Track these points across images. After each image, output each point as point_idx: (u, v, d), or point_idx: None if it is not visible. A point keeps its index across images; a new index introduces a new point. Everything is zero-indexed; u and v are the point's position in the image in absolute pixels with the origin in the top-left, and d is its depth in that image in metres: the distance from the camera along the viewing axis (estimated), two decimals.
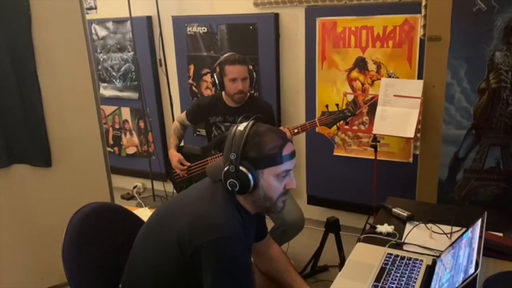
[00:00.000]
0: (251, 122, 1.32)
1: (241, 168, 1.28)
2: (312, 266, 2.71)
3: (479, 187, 2.36)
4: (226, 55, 2.60)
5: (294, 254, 2.84)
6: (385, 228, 1.66)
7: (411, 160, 2.87)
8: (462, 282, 1.11)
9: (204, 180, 1.45)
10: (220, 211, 1.29)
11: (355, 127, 2.98)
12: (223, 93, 2.63)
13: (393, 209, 1.80)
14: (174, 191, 2.92)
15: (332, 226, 2.56)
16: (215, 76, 2.56)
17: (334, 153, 3.12)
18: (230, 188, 1.31)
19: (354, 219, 3.14)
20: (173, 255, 1.28)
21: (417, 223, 1.69)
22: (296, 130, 2.39)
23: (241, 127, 1.32)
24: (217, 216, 1.27)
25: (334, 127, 2.45)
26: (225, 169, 1.30)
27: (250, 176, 1.28)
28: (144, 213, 2.22)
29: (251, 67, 2.58)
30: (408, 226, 1.69)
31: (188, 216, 1.29)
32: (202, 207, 1.31)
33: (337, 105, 2.46)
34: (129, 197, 4.03)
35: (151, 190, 3.88)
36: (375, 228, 1.67)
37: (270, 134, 1.31)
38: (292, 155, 1.33)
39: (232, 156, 1.28)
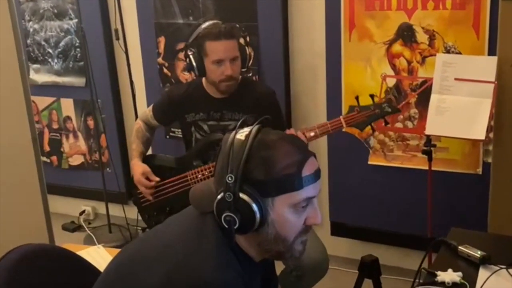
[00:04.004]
0: (255, 128, 1.30)
1: (242, 195, 1.26)
2: None
3: None
4: (205, 24, 2.55)
5: None
6: (449, 275, 1.66)
7: (480, 171, 2.86)
8: None
9: (187, 210, 1.43)
10: (211, 260, 1.27)
11: (399, 124, 2.96)
12: (203, 79, 2.63)
13: (460, 247, 1.80)
14: (141, 218, 2.89)
15: (370, 269, 2.53)
16: (190, 56, 2.53)
17: (369, 162, 3.12)
18: (226, 225, 1.28)
19: (400, 257, 3.15)
20: None
21: (496, 267, 1.70)
22: (312, 134, 2.38)
23: (241, 135, 1.29)
24: (206, 268, 1.25)
25: (368, 126, 2.44)
26: (219, 197, 1.28)
27: (255, 207, 1.26)
28: (98, 255, 2.20)
29: (242, 40, 2.55)
30: (483, 272, 1.69)
31: (163, 266, 1.27)
32: (184, 254, 1.28)
33: (372, 96, 2.45)
34: (74, 227, 4.02)
35: (105, 217, 3.85)
36: (435, 275, 1.67)
37: (284, 145, 1.29)
38: (316, 175, 1.31)
39: (229, 178, 1.25)
